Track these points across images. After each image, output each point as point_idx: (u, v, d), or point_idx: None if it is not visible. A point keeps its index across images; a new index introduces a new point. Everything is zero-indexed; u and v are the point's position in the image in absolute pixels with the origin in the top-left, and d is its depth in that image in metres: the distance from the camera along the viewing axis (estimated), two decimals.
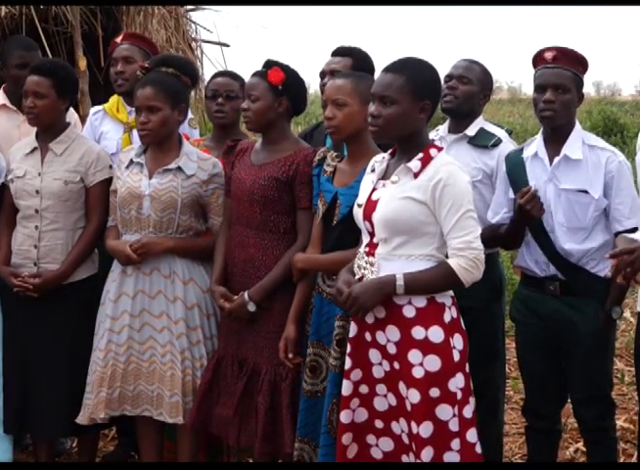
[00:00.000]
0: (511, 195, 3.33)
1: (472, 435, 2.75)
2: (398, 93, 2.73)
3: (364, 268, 2.80)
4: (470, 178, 2.82)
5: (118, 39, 4.05)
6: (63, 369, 3.51)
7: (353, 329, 2.86)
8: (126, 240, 3.39)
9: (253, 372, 3.26)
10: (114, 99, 4.05)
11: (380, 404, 2.84)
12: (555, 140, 3.27)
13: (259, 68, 3.33)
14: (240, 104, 3.43)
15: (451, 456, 2.72)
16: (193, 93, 6.44)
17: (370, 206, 2.80)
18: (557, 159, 3.25)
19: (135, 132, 3.76)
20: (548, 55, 3.24)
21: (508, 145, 3.57)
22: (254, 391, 3.24)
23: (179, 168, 3.36)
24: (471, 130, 3.62)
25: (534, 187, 3.15)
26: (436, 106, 2.87)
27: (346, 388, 2.86)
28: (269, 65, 3.28)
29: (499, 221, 3.36)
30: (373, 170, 2.88)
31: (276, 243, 3.24)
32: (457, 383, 2.72)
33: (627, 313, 6.43)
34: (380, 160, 2.89)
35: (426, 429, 2.69)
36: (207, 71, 7.54)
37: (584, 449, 3.74)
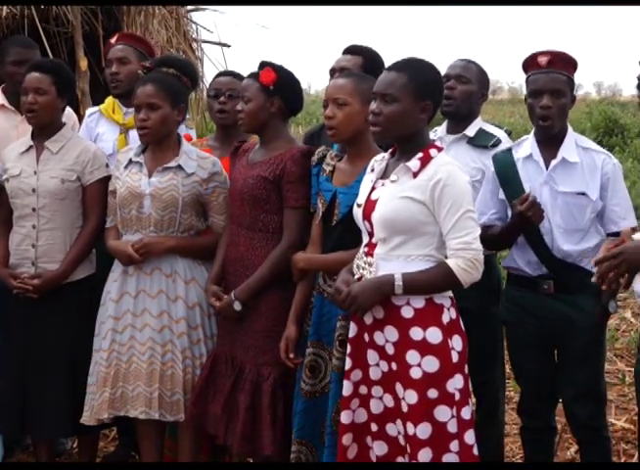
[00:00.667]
0: (501, 196, 3.33)
1: (470, 436, 2.75)
2: (400, 91, 2.72)
3: (363, 268, 2.80)
4: (469, 178, 2.81)
5: (113, 40, 4.00)
6: (63, 369, 3.51)
7: (353, 329, 2.86)
8: (127, 240, 3.39)
9: (240, 371, 3.26)
10: (109, 100, 4.00)
11: (375, 407, 2.83)
12: (550, 142, 3.27)
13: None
14: None
15: (450, 458, 2.71)
16: (192, 94, 6.44)
17: (369, 205, 2.79)
18: (554, 162, 3.25)
19: (131, 133, 3.76)
20: (542, 59, 3.22)
21: (507, 146, 3.55)
22: (239, 389, 3.24)
23: (179, 167, 3.36)
24: (470, 131, 3.62)
25: (532, 192, 3.15)
26: (438, 107, 2.86)
27: (347, 388, 2.86)
28: (262, 66, 3.28)
29: (486, 223, 3.32)
30: (372, 170, 2.88)
31: (265, 242, 3.24)
32: (455, 384, 2.71)
33: (628, 314, 6.44)
34: (379, 159, 2.88)
35: (424, 430, 2.68)
36: (208, 72, 7.58)
37: None
